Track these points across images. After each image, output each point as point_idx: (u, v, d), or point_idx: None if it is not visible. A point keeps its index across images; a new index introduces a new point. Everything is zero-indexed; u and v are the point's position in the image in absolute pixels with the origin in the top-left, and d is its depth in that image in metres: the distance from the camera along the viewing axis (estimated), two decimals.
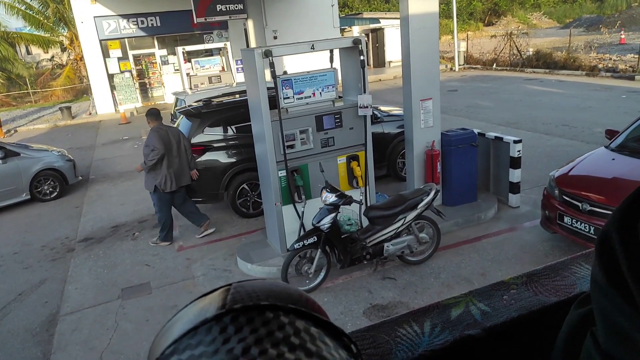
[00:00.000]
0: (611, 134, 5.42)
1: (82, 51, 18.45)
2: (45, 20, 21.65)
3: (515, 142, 5.83)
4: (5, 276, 5.80)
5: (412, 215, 4.70)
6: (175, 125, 6.96)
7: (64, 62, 25.72)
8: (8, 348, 4.34)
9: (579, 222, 4.55)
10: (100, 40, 17.66)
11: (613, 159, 4.95)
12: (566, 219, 4.68)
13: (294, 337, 0.31)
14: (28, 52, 33.89)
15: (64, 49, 25.12)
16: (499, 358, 0.61)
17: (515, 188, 6.02)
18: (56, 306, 4.97)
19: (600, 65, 16.38)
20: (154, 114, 5.88)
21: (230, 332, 0.31)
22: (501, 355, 0.61)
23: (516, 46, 19.65)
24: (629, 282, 0.33)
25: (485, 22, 39.73)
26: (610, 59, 17.44)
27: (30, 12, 21.27)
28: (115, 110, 17.77)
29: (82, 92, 23.31)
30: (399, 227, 4.71)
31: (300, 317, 0.33)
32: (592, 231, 4.43)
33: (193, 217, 6.32)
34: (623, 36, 21.93)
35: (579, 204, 4.55)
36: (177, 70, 16.76)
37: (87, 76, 18.95)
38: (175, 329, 0.33)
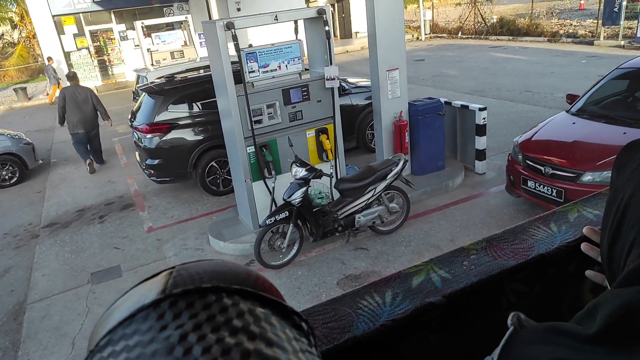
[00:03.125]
0: (572, 98, 5.56)
1: (34, 28, 17.50)
2: None
3: (480, 109, 5.92)
4: None
5: (381, 186, 4.74)
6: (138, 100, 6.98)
7: (16, 41, 24.37)
8: None
9: (541, 186, 4.69)
10: (53, 16, 16.76)
11: (574, 123, 5.09)
12: (530, 183, 4.82)
13: (236, 319, 0.29)
14: None
15: (14, 26, 23.78)
16: (460, 323, 0.62)
17: (481, 155, 6.14)
18: (23, 294, 4.84)
19: (561, 32, 16.68)
20: (70, 76, 8.35)
21: (167, 319, 0.29)
22: (462, 320, 0.62)
23: (480, 14, 19.74)
24: None
25: None
26: (571, 24, 17.77)
27: None
28: None
29: (38, 71, 22.23)
30: (369, 198, 4.75)
31: (246, 298, 0.32)
32: (554, 194, 4.58)
33: (96, 155, 8.55)
34: (582, 1, 22.31)
35: (542, 168, 4.69)
36: (137, 46, 16.13)
37: (42, 54, 18.05)
38: (112, 317, 0.31)
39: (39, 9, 16.50)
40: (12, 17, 22.16)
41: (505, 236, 0.70)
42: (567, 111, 5.38)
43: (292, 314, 0.34)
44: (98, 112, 8.12)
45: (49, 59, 15.84)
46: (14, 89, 17.41)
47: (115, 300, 0.34)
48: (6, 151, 8.19)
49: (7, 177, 8.23)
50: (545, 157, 4.75)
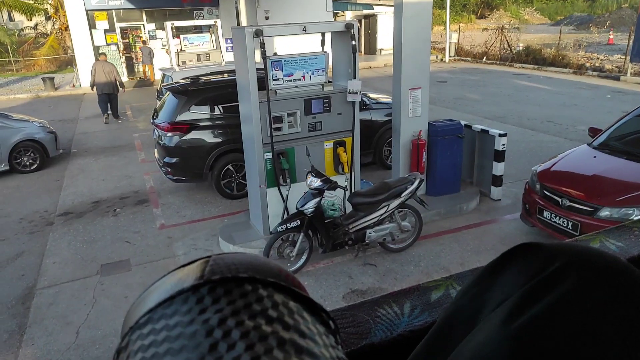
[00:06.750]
0: (594, 132, 5.51)
1: (67, 21, 17.95)
2: None
3: (500, 135, 5.89)
4: None
5: (395, 203, 4.73)
6: (164, 95, 6.97)
7: (48, 31, 25.00)
8: None
9: (557, 217, 4.64)
10: (87, 11, 17.17)
11: (594, 157, 5.03)
12: (545, 214, 4.76)
13: (271, 310, 0.30)
14: (10, 19, 32.80)
15: (48, 18, 24.42)
16: None
17: (498, 181, 6.09)
18: (33, 280, 4.91)
19: (587, 64, 16.56)
20: (101, 53, 12.47)
21: (207, 303, 0.30)
22: None
23: (507, 40, 19.72)
24: None
25: (478, 14, 39.75)
26: (598, 58, 17.64)
27: None
28: None
29: (67, 63, 22.73)
30: (382, 215, 4.74)
31: (279, 291, 0.33)
32: (570, 226, 4.52)
33: (114, 112, 11.92)
34: (611, 36, 22.15)
35: (559, 199, 4.63)
36: (165, 45, 16.46)
37: (72, 47, 18.48)
38: (151, 298, 0.33)
39: (73, 3, 16.93)
40: (47, 8, 22.75)
41: None
42: (588, 144, 5.32)
43: (321, 311, 0.35)
44: (117, 82, 11.41)
45: (144, 41, 17.78)
46: (42, 78, 17.81)
47: (152, 283, 0.36)
48: (30, 138, 8.37)
49: (28, 163, 8.39)
50: (564, 188, 4.69)
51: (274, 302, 0.31)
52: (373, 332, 0.55)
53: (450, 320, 0.40)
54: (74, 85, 17.78)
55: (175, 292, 0.31)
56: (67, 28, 19.12)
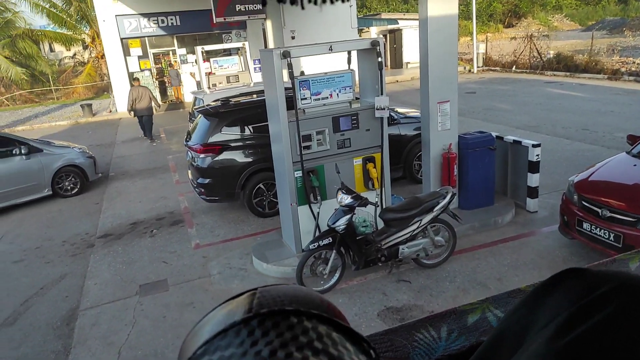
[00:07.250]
0: (633, 139, 5.32)
1: (103, 49, 18.79)
2: (68, 19, 22.08)
3: (534, 146, 5.76)
4: (27, 270, 5.94)
5: (428, 218, 4.68)
6: (196, 116, 7.17)
7: (86, 60, 26.19)
8: (30, 341, 4.45)
9: (598, 229, 4.48)
10: (122, 39, 17.94)
11: (634, 165, 4.86)
12: (585, 225, 4.61)
13: (317, 341, 0.33)
14: (51, 50, 34.55)
15: (85, 47, 25.60)
16: None
17: (533, 192, 5.94)
18: (76, 301, 5.08)
19: (623, 69, 16.05)
20: (135, 79, 13.31)
21: (257, 336, 0.33)
22: None
23: (536, 48, 19.37)
24: None
25: (505, 23, 39.26)
26: (634, 62, 17.07)
27: (54, 10, 21.72)
28: None
29: (103, 89, 23.69)
30: (414, 230, 4.70)
31: (322, 322, 0.35)
32: (611, 238, 4.36)
33: (148, 133, 12.69)
34: None
35: (599, 210, 4.48)
36: (193, 73, 17.14)
37: (108, 74, 19.27)
38: (205, 330, 0.35)
39: (109, 32, 17.74)
40: (84, 38, 23.87)
41: None
42: (627, 152, 5.15)
43: (362, 340, 0.37)
44: (152, 103, 12.52)
45: (171, 65, 19.04)
46: (80, 105, 18.60)
47: (204, 316, 0.39)
48: (71, 163, 8.73)
49: (69, 187, 8.74)
50: (603, 198, 4.54)
51: (319, 334, 0.33)
52: (411, 357, 0.56)
53: (498, 338, 0.42)
54: (110, 111, 18.48)
55: (228, 325, 0.34)
56: (103, 56, 19.99)
